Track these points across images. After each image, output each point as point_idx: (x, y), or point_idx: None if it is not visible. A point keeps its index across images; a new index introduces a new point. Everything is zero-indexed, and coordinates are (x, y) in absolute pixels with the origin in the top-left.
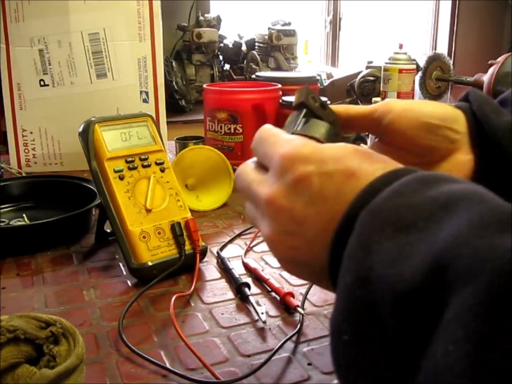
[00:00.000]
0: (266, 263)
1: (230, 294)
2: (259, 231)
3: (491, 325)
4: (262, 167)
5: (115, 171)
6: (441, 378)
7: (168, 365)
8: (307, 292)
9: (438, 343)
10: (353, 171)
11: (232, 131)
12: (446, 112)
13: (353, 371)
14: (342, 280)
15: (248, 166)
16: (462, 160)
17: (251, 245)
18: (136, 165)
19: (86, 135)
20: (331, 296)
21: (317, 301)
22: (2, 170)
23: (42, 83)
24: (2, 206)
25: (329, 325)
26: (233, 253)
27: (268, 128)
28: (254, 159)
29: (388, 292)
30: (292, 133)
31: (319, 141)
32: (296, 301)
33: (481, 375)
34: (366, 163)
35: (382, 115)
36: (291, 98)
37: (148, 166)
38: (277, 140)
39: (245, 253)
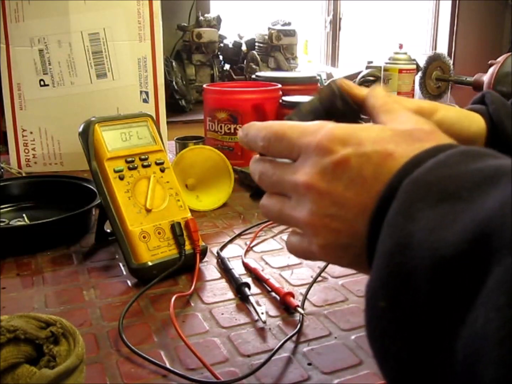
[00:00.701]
0: (266, 263)
1: (230, 294)
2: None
3: None
4: (282, 162)
5: (115, 171)
6: (480, 346)
7: (168, 365)
8: (307, 292)
9: (478, 311)
10: (391, 152)
11: (232, 131)
12: (477, 130)
13: (388, 339)
14: (381, 246)
15: (267, 163)
16: None
17: (251, 245)
18: (136, 165)
19: (86, 135)
20: (331, 296)
21: (317, 301)
22: (2, 170)
23: (42, 83)
24: (2, 206)
25: (364, 293)
26: (233, 253)
27: (278, 123)
28: (258, 157)
29: (428, 258)
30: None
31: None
32: (296, 301)
33: None
34: (404, 143)
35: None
36: (291, 98)
37: (148, 166)
38: (304, 129)
39: (245, 253)
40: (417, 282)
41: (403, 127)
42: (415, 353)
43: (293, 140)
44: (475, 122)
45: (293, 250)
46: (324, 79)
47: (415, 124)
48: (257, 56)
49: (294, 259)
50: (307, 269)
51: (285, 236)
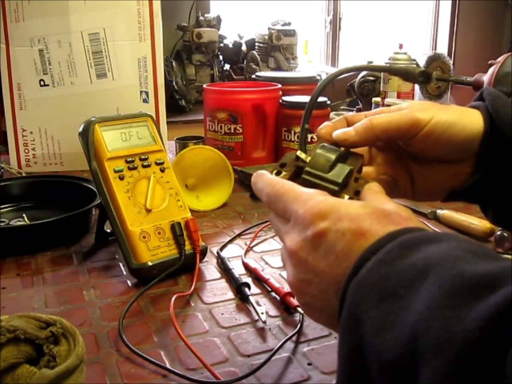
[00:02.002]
0: (266, 263)
1: (230, 294)
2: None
3: None
4: (282, 218)
5: (115, 171)
6: None
7: (168, 365)
8: None
9: None
10: (364, 231)
11: (232, 131)
12: (472, 129)
13: None
14: (340, 349)
15: (274, 217)
16: (463, 172)
17: (251, 245)
18: (136, 165)
19: (86, 135)
20: None
21: None
22: (2, 170)
23: (42, 83)
24: (2, 206)
25: None
26: (233, 253)
27: (281, 184)
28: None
29: (375, 361)
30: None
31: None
32: (296, 301)
33: None
34: (378, 224)
35: (417, 130)
36: (291, 98)
37: (148, 166)
38: (297, 195)
39: (245, 253)
40: (373, 382)
41: (383, 207)
42: None
43: (287, 204)
44: (471, 121)
45: None
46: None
47: (395, 208)
48: (257, 56)
49: None
50: None
51: None
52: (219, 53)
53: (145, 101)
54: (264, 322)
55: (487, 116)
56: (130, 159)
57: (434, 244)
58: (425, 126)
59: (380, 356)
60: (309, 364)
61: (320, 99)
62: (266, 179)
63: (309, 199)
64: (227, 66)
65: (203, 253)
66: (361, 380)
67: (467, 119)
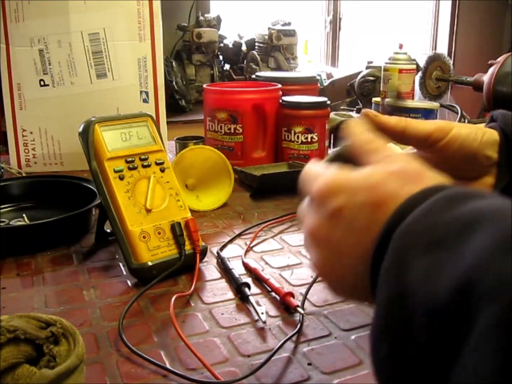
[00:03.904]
0: (266, 263)
1: (230, 294)
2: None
3: None
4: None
5: (115, 171)
6: None
7: (168, 365)
8: (307, 292)
9: (468, 357)
10: (383, 199)
11: (232, 131)
12: (486, 140)
13: (393, 381)
14: (379, 296)
15: (306, 200)
16: (486, 183)
17: (251, 245)
18: (136, 165)
19: (86, 135)
20: (331, 296)
21: (317, 301)
22: (2, 170)
23: (42, 83)
24: (2, 206)
25: (369, 340)
26: (233, 253)
27: (309, 166)
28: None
29: (422, 308)
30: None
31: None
32: (296, 301)
33: None
34: (395, 185)
35: (438, 138)
36: (291, 98)
37: (148, 166)
38: (311, 176)
39: (245, 253)
40: (414, 329)
41: (393, 167)
42: None
43: (306, 184)
44: (486, 131)
45: None
46: (324, 79)
47: (404, 163)
48: (257, 56)
49: (294, 259)
50: (307, 269)
51: (285, 236)
52: (219, 53)
53: (145, 101)
54: (264, 322)
55: (501, 130)
56: (130, 159)
57: (481, 199)
58: (448, 133)
59: (428, 302)
60: (309, 364)
61: (320, 99)
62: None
63: (321, 175)
64: (227, 66)
65: (203, 253)
66: (401, 327)
67: (483, 131)
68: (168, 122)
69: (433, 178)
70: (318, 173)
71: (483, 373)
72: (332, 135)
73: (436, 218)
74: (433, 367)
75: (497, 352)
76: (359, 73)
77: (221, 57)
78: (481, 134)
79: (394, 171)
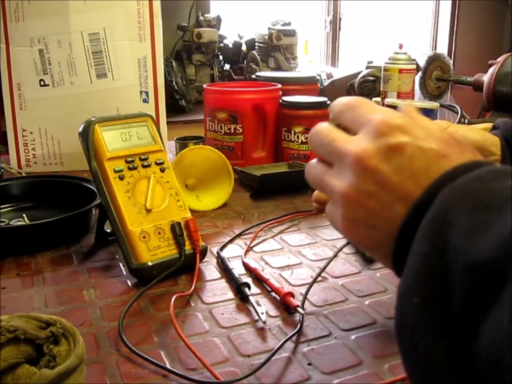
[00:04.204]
0: (266, 263)
1: (230, 294)
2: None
3: None
4: (345, 130)
5: (115, 171)
6: (504, 345)
7: (168, 365)
8: (307, 292)
9: (500, 312)
10: (446, 153)
11: (232, 131)
12: (485, 137)
13: (418, 335)
14: (417, 248)
15: (328, 126)
16: None
17: (251, 245)
18: (136, 165)
19: (86, 135)
20: (331, 296)
21: (317, 301)
22: (2, 170)
23: (42, 83)
24: (2, 206)
25: (397, 289)
26: (233, 253)
27: (358, 98)
28: (326, 124)
29: (462, 262)
30: None
31: None
32: (296, 301)
33: None
34: (458, 149)
35: None
36: (291, 98)
37: (148, 166)
38: (375, 107)
39: (245, 253)
40: (451, 283)
41: (457, 137)
42: (442, 350)
43: (362, 112)
44: (489, 134)
45: (327, 214)
46: (324, 79)
47: (465, 138)
48: (257, 56)
49: (294, 259)
50: (307, 269)
51: (285, 236)
52: (219, 53)
53: (145, 101)
54: (264, 322)
55: (502, 136)
56: (130, 159)
57: None
58: (446, 129)
59: (469, 258)
60: (309, 364)
61: (320, 99)
62: (348, 99)
63: (388, 111)
64: (227, 66)
65: (203, 253)
66: (437, 280)
67: (481, 131)
68: (168, 122)
69: (481, 157)
70: (379, 107)
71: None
72: None
73: (487, 185)
74: (464, 320)
75: None
76: (359, 73)
77: (221, 57)
78: (482, 132)
79: (459, 140)
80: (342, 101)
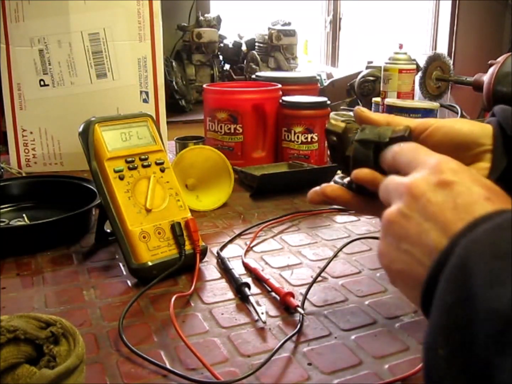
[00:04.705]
0: (266, 263)
1: (230, 294)
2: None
3: None
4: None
5: (115, 171)
6: None
7: (168, 365)
8: (307, 292)
9: None
10: (491, 197)
11: (232, 131)
12: (473, 128)
13: (440, 379)
14: (440, 298)
15: (389, 178)
16: (481, 167)
17: (251, 245)
18: (136, 165)
19: (86, 135)
20: (331, 296)
21: (317, 301)
22: (2, 170)
23: (42, 83)
24: (2, 206)
25: (423, 339)
26: (233, 253)
27: (413, 143)
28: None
29: (484, 310)
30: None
31: None
32: (296, 301)
33: None
34: (502, 197)
35: (420, 131)
36: (291, 98)
37: (148, 166)
38: (430, 152)
39: (245, 253)
40: (474, 332)
41: (495, 187)
42: None
43: (419, 155)
44: (475, 122)
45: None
46: (324, 79)
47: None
48: (257, 56)
49: (294, 259)
50: (307, 269)
51: (285, 236)
52: (219, 53)
53: (145, 101)
54: (264, 322)
55: (496, 122)
56: (130, 159)
57: None
58: (431, 125)
59: (491, 307)
60: (309, 364)
61: (320, 99)
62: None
63: (444, 156)
64: (227, 66)
65: (203, 253)
66: (460, 331)
67: (472, 121)
68: (168, 122)
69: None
70: (433, 152)
71: None
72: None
73: (505, 234)
74: (489, 367)
75: None
76: (359, 73)
77: (221, 57)
78: (470, 123)
79: (496, 188)
80: (396, 147)
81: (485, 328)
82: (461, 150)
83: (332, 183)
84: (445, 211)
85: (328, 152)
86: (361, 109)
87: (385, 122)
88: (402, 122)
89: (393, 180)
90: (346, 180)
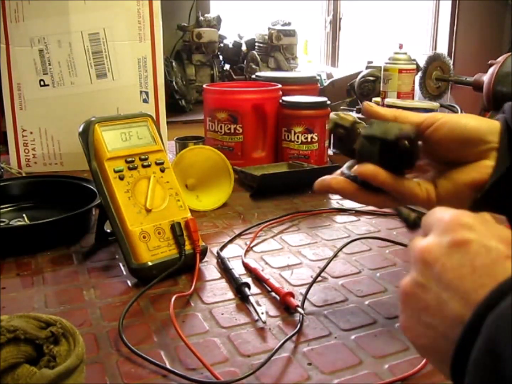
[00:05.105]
0: (266, 263)
1: (230, 294)
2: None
3: None
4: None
5: (115, 171)
6: None
7: (168, 365)
8: (307, 292)
9: None
10: (510, 254)
11: (232, 131)
12: (480, 124)
13: None
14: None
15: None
16: (485, 165)
17: (251, 245)
18: (136, 165)
19: (86, 135)
20: (331, 296)
21: (317, 301)
22: (2, 170)
23: (42, 83)
24: (2, 206)
25: None
26: (233, 253)
27: (438, 208)
28: None
29: None
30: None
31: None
32: (296, 301)
33: None
34: None
35: (427, 126)
36: (291, 98)
37: (148, 166)
38: (448, 209)
39: (245, 253)
40: None
41: None
42: None
43: (435, 216)
44: (483, 118)
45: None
46: (324, 79)
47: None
48: (257, 56)
49: (294, 259)
50: (307, 269)
51: (285, 236)
52: (219, 53)
53: (145, 101)
54: (264, 322)
55: (504, 119)
56: (130, 159)
57: None
58: (437, 120)
59: None
60: (309, 364)
61: (320, 99)
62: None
63: (458, 211)
64: (227, 66)
65: (203, 253)
66: None
67: (479, 117)
68: (168, 122)
69: None
70: (447, 209)
71: None
72: (332, 135)
73: None
74: None
75: None
76: (359, 73)
77: (221, 57)
78: (478, 119)
79: None
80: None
81: None
82: (467, 146)
83: (339, 172)
84: (464, 278)
85: (332, 143)
86: (369, 104)
87: (393, 117)
88: (409, 116)
89: (413, 243)
90: (354, 170)
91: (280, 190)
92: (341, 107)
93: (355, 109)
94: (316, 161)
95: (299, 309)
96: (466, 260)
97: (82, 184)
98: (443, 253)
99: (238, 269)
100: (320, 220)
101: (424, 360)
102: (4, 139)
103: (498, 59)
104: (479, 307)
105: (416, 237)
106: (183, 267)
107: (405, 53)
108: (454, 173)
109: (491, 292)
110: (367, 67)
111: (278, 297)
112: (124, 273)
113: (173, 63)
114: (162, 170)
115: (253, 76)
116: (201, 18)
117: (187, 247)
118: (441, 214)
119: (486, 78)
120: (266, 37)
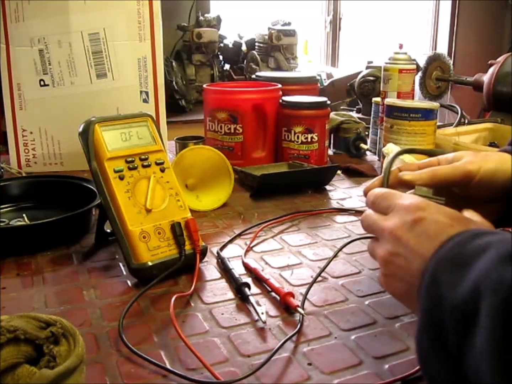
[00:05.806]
0: (266, 263)
1: (230, 294)
2: (257, 232)
3: (506, 327)
4: (381, 213)
5: (115, 171)
6: (480, 359)
7: (168, 365)
8: (307, 292)
9: (477, 335)
10: (452, 224)
11: (232, 131)
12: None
13: (433, 365)
14: (421, 305)
15: (370, 212)
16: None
17: (251, 245)
18: (136, 165)
19: (86, 135)
20: (331, 296)
21: (317, 301)
22: (2, 170)
23: (42, 83)
24: (2, 206)
25: (415, 336)
26: (233, 253)
27: (386, 190)
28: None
29: (449, 307)
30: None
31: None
32: (296, 301)
33: (503, 359)
34: (460, 223)
35: (465, 184)
36: (291, 98)
37: (148, 166)
38: (402, 195)
39: (245, 253)
40: (446, 324)
41: (459, 213)
42: (447, 370)
43: (393, 200)
44: (509, 167)
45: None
46: (324, 79)
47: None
48: (257, 56)
49: (294, 259)
50: (307, 269)
51: (285, 236)
52: (219, 53)
53: (145, 101)
54: (264, 322)
55: None
56: (130, 159)
57: (493, 234)
58: (475, 176)
59: (452, 304)
60: (309, 364)
61: (320, 99)
62: (378, 190)
63: (412, 197)
64: (227, 66)
65: (203, 253)
66: (437, 326)
67: (507, 166)
68: (168, 122)
69: (471, 222)
70: (405, 194)
71: (486, 347)
72: (332, 135)
73: (463, 248)
74: (457, 347)
75: (496, 327)
76: (359, 73)
77: (221, 57)
78: (505, 169)
79: (461, 216)
80: (376, 192)
81: (451, 321)
82: (499, 193)
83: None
84: (421, 243)
85: (332, 143)
86: (398, 173)
87: (428, 181)
88: (445, 173)
89: (375, 221)
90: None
91: (280, 190)
92: (341, 107)
93: (355, 109)
94: (316, 161)
95: (299, 309)
96: (422, 232)
97: (82, 184)
98: (407, 229)
99: (238, 269)
100: (320, 220)
101: None
102: (4, 139)
103: (498, 59)
104: (429, 258)
105: (376, 216)
106: (183, 267)
107: (405, 53)
108: (483, 212)
109: (436, 248)
110: (367, 67)
111: (278, 297)
112: (124, 273)
113: (173, 63)
114: (162, 170)
115: (253, 76)
116: (201, 18)
117: (187, 247)
118: (400, 201)
119: (486, 78)
120: (266, 37)
